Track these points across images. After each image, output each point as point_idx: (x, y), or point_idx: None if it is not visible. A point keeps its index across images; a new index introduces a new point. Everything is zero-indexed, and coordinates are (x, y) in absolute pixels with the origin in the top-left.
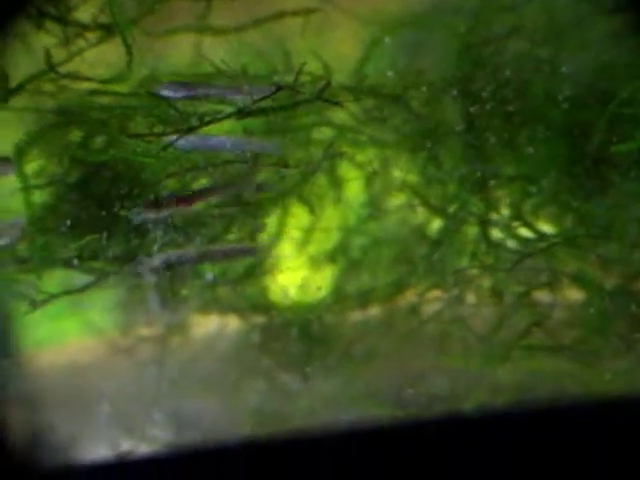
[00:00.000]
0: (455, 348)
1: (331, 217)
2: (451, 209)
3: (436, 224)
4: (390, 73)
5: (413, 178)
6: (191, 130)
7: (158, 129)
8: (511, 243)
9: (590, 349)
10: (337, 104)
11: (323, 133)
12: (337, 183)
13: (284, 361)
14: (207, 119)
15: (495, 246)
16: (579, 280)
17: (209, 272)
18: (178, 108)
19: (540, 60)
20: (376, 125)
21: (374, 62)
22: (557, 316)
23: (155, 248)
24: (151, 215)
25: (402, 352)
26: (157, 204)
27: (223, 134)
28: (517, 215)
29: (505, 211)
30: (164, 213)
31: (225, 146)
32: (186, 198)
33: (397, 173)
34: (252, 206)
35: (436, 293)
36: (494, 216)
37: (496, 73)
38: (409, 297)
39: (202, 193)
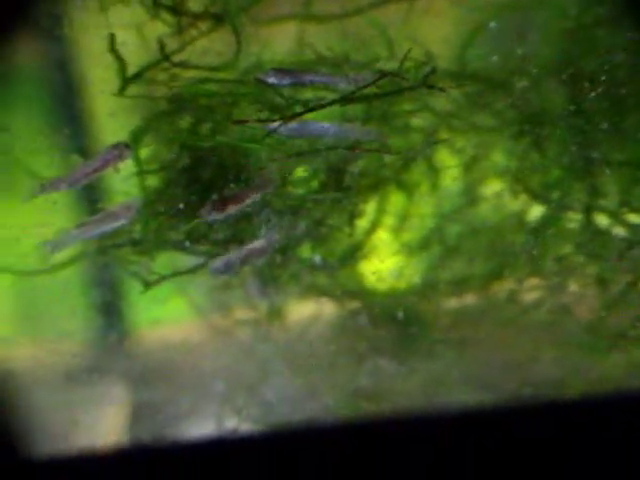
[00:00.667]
0: (557, 337)
1: (428, 204)
2: (554, 196)
3: (535, 211)
4: (495, 58)
5: (514, 164)
6: (295, 116)
7: (263, 116)
8: (618, 230)
9: None
10: (441, 90)
11: (423, 119)
12: (435, 170)
13: (379, 346)
14: (311, 106)
15: (601, 234)
16: None
17: (317, 256)
18: (284, 95)
19: None
20: (477, 111)
21: (477, 47)
22: None
23: (262, 232)
24: (219, 214)
25: (501, 340)
26: (223, 203)
27: (324, 121)
28: (626, 202)
29: (613, 198)
30: (229, 211)
31: (328, 132)
32: (233, 198)
33: (498, 159)
34: (352, 191)
35: (535, 281)
36: (601, 203)
37: (607, 55)
38: (507, 285)
39: (243, 194)
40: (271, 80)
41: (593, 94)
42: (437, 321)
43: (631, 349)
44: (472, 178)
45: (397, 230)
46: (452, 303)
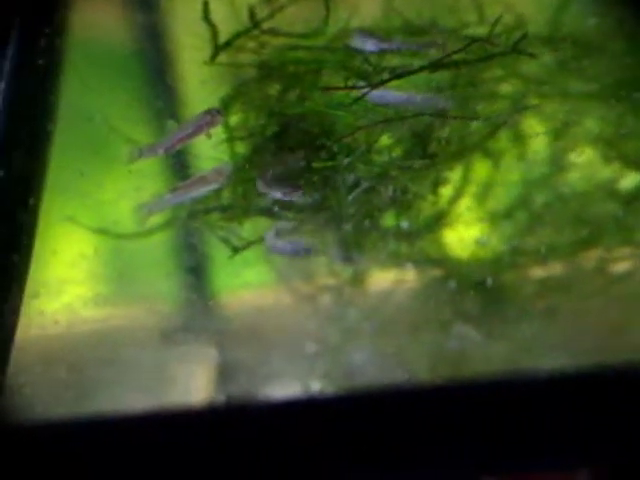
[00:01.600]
0: None
1: (515, 171)
2: None
3: (629, 179)
4: (591, 21)
5: (608, 131)
6: (382, 83)
7: (350, 83)
8: None
9: None
10: (532, 56)
11: (512, 86)
12: (522, 137)
13: (464, 314)
14: (398, 72)
15: None
16: None
17: (404, 221)
18: (371, 61)
19: None
20: (569, 76)
21: (572, 10)
22: None
23: (350, 198)
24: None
25: (590, 309)
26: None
27: (410, 89)
28: None
29: None
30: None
31: (400, 100)
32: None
33: (590, 125)
34: (437, 159)
35: (627, 251)
36: None
37: None
38: (596, 254)
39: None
40: (357, 42)
41: None
42: (523, 289)
43: None
44: (562, 145)
45: (482, 198)
46: (539, 272)
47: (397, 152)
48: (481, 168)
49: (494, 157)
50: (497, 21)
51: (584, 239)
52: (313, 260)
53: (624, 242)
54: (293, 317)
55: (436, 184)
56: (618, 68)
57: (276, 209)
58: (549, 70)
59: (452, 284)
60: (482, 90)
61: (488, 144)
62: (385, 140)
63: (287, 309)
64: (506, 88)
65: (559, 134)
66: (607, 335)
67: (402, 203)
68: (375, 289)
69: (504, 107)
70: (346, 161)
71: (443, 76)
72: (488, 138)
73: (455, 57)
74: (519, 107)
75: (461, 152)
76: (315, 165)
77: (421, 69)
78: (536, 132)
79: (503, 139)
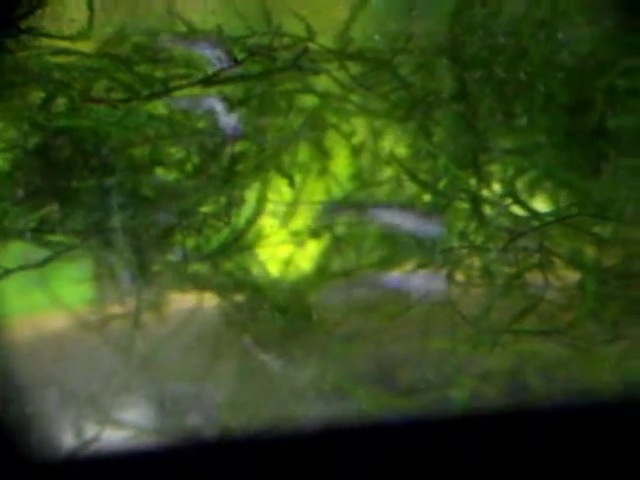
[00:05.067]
0: (443, 331)
1: (315, 191)
2: (441, 184)
3: (425, 199)
4: (377, 37)
5: (402, 150)
6: (153, 97)
7: (116, 94)
8: (504, 221)
9: (583, 333)
10: (315, 72)
11: (309, 101)
12: (322, 154)
13: (263, 341)
14: (173, 85)
15: (487, 224)
16: (574, 261)
17: (179, 247)
18: (138, 73)
19: (537, 24)
20: (363, 93)
21: (361, 25)
22: (550, 298)
23: (118, 221)
24: None
25: (387, 334)
26: None
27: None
28: (510, 192)
29: (497, 187)
30: None
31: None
32: None
33: (385, 145)
34: (228, 178)
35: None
36: (486, 192)
37: (490, 38)
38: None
39: None
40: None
41: (472, 78)
42: (325, 313)
43: (515, 343)
44: (360, 164)
45: (283, 218)
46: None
47: (187, 169)
48: (281, 187)
49: (291, 175)
50: (276, 33)
51: (384, 260)
52: (100, 286)
53: (422, 263)
54: (73, 349)
55: (228, 204)
56: (404, 87)
57: (28, 235)
58: (343, 86)
59: (252, 309)
60: (276, 104)
61: (282, 162)
62: (172, 157)
63: (66, 340)
64: (305, 102)
65: (356, 153)
66: (403, 362)
67: (191, 224)
68: (165, 317)
69: (299, 123)
70: (115, 180)
71: (235, 90)
72: (282, 155)
73: (236, 70)
74: (306, 123)
75: (254, 169)
76: (81, 185)
77: (196, 83)
78: (333, 151)
79: (301, 156)
